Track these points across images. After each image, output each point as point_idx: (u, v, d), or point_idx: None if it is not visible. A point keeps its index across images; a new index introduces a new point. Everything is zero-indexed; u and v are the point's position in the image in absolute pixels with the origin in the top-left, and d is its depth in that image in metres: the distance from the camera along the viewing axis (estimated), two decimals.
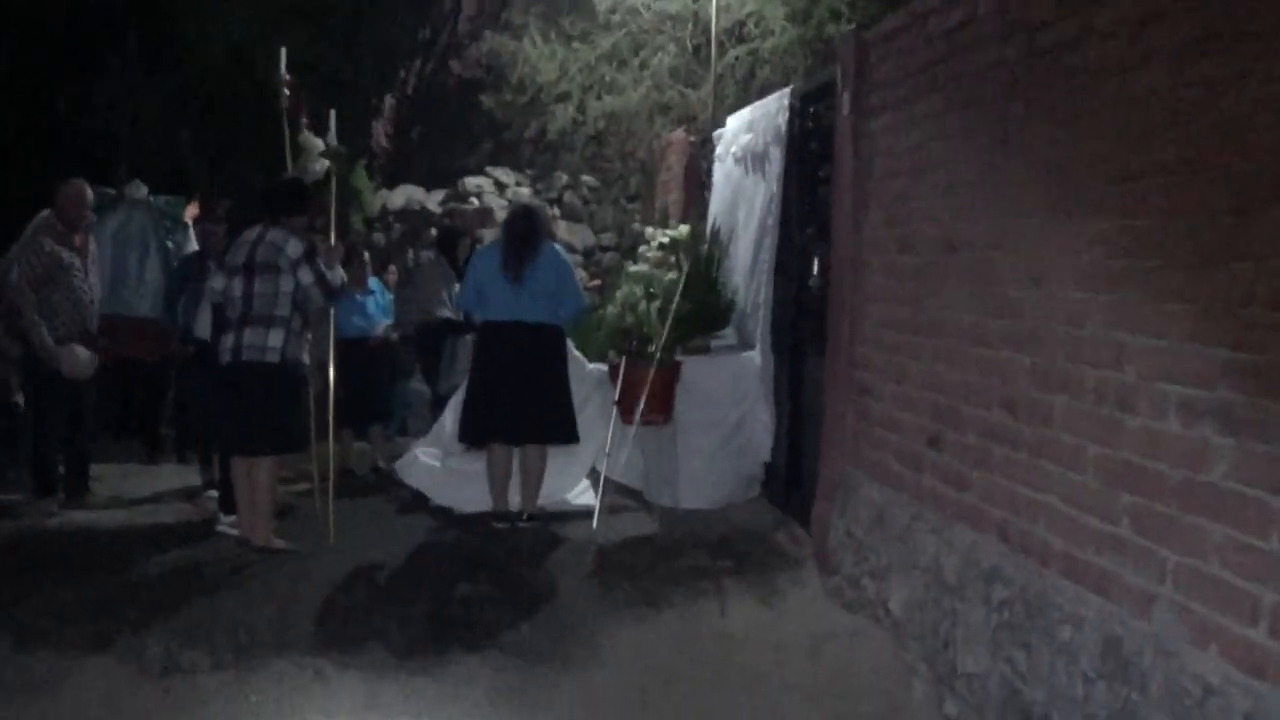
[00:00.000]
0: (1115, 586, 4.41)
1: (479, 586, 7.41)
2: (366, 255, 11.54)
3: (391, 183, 16.88)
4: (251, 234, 8.02)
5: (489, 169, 16.85)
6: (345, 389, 10.38)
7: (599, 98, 14.53)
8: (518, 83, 15.04)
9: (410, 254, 15.22)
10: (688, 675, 6.13)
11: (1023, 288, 5.14)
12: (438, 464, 9.80)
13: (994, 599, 5.26)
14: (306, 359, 8.17)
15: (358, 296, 10.87)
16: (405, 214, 16.13)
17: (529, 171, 17.04)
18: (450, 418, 9.69)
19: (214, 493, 9.14)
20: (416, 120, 19.53)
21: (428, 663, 6.24)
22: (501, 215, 14.80)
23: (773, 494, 9.34)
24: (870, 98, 7.09)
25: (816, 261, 8.45)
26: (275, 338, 7.84)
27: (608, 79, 14.54)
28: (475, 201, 15.93)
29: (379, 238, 15.75)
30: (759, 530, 8.64)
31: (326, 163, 8.61)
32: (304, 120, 8.72)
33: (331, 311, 8.63)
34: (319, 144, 8.60)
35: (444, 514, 9.28)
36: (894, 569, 6.36)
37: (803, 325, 8.82)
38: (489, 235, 13.43)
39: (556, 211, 15.84)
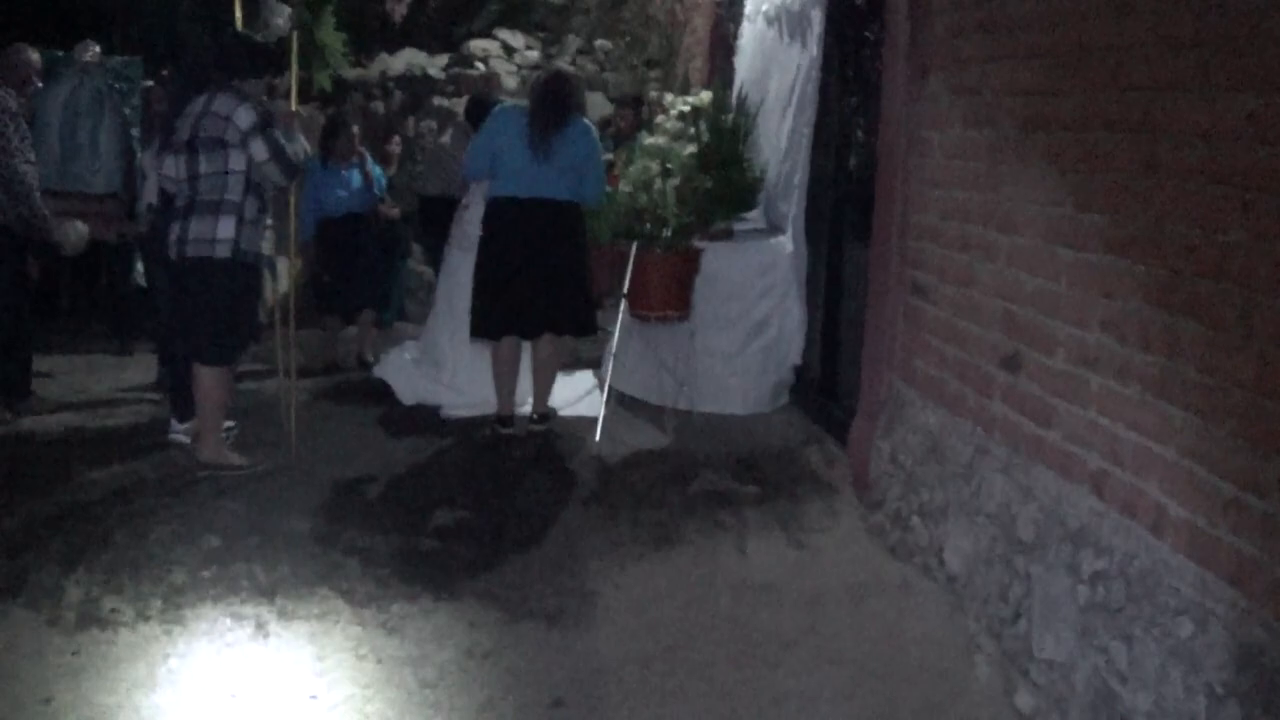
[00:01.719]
0: (1258, 577, 3.34)
1: (459, 514, 6.42)
2: (355, 128, 10.37)
3: (391, 46, 15.65)
4: (196, 103, 6.86)
5: (496, 31, 15.60)
6: (330, 272, 9.54)
7: None
8: None
9: (411, 123, 14.03)
10: (701, 638, 5.05)
11: (1140, 175, 3.98)
12: (412, 360, 8.92)
13: (1084, 569, 4.21)
14: (266, 248, 7.00)
15: (342, 171, 9.92)
16: (406, 80, 14.91)
17: (540, 34, 15.78)
18: (445, 310, 8.60)
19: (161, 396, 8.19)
20: None
21: (389, 615, 5.22)
22: (510, 82, 13.68)
23: (805, 403, 8.29)
24: None
25: (862, 136, 7.34)
26: (225, 228, 6.74)
27: None
28: (481, 67, 14.72)
29: (378, 106, 14.60)
30: (788, 447, 7.58)
31: (289, 11, 7.39)
32: None
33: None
34: None
35: (433, 419, 8.30)
36: (952, 511, 5.29)
37: (844, 209, 7.74)
38: None
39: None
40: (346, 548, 5.88)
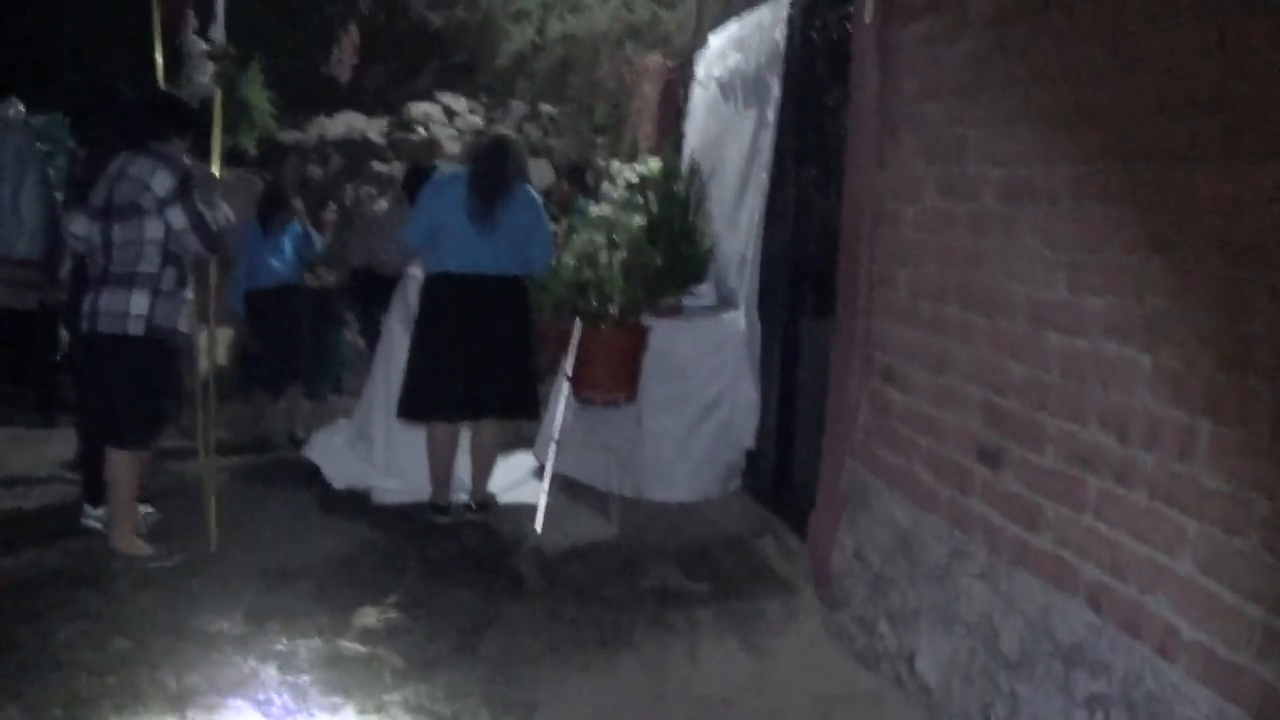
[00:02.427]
0: None
1: (388, 614, 5.86)
2: (298, 200, 9.91)
3: (329, 108, 15.21)
4: (114, 164, 6.37)
5: (438, 94, 15.18)
6: (260, 345, 9.29)
7: (561, 18, 12.96)
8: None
9: (349, 190, 13.57)
10: None
11: (1147, 254, 3.57)
12: (345, 441, 8.40)
13: (1078, 691, 3.78)
14: (184, 325, 6.48)
15: (275, 239, 9.49)
16: (345, 144, 14.48)
17: (483, 99, 15.39)
18: (382, 389, 8.12)
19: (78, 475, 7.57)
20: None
21: None
22: (451, 147, 13.27)
23: (758, 489, 7.81)
24: None
25: (823, 207, 6.91)
26: (139, 302, 6.23)
27: None
28: (422, 131, 14.30)
29: (315, 170, 14.14)
30: (741, 536, 7.12)
31: (213, 68, 6.91)
32: (188, 20, 7.01)
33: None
34: (202, 45, 6.88)
35: (364, 505, 7.76)
36: (925, 617, 4.85)
37: (802, 285, 7.30)
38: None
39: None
40: (264, 652, 5.34)
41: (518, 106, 15.17)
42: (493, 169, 7.20)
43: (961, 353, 4.73)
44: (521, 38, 13.29)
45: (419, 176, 8.77)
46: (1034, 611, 4.09)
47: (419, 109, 14.84)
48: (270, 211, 9.45)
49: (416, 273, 7.80)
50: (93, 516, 6.92)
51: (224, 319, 9.69)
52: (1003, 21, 4.52)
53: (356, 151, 14.28)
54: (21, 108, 9.59)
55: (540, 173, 14.31)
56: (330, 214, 11.42)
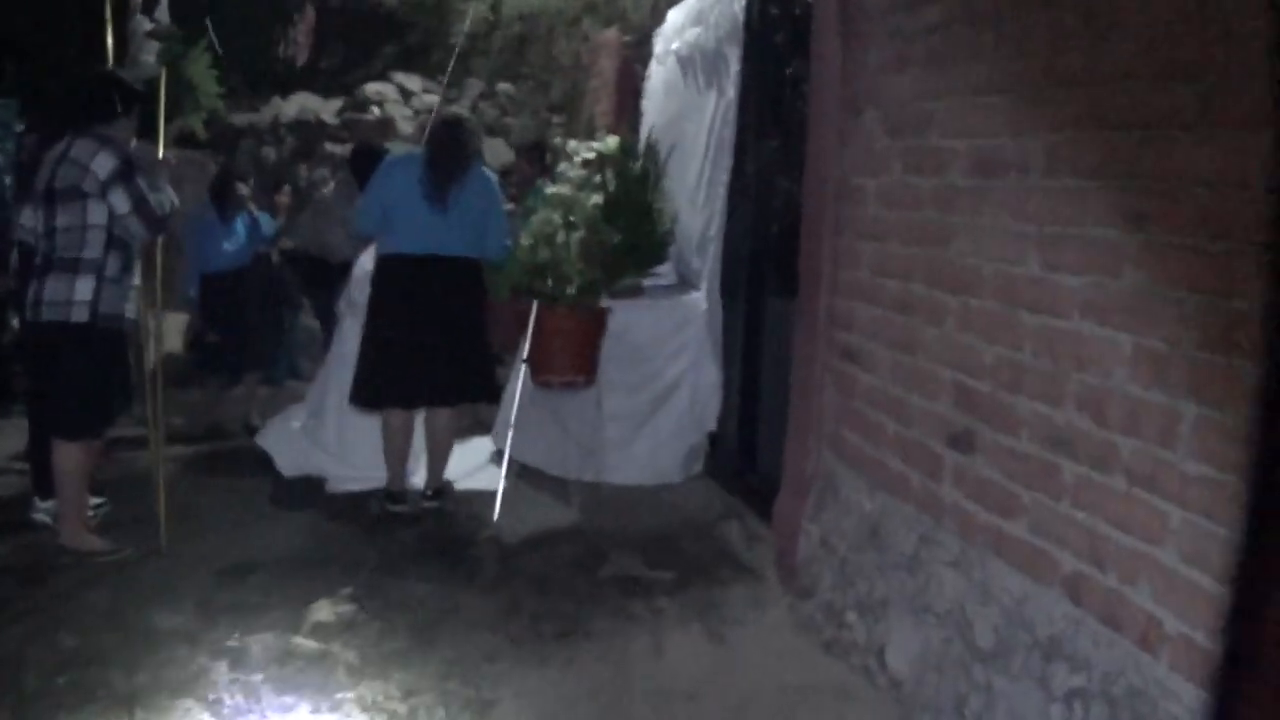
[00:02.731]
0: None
1: (342, 607, 5.65)
2: (250, 180, 9.64)
3: (284, 89, 14.94)
4: (56, 149, 6.14)
5: (392, 74, 14.91)
6: (213, 331, 9.10)
7: None
8: None
9: (303, 170, 13.33)
10: None
11: (1123, 227, 3.41)
12: (298, 428, 8.14)
13: (1057, 685, 3.63)
14: (131, 311, 6.26)
15: (227, 224, 9.27)
16: (299, 125, 14.22)
17: (439, 78, 15.10)
18: (335, 375, 7.90)
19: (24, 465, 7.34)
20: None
21: None
22: (406, 127, 13.02)
23: (720, 473, 7.65)
24: None
25: (784, 184, 6.75)
26: (83, 288, 6.00)
27: None
28: (376, 111, 14.05)
29: (269, 152, 13.89)
30: (704, 521, 6.95)
31: (159, 47, 6.68)
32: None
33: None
34: (147, 25, 6.65)
35: (318, 494, 7.55)
36: (894, 607, 4.70)
37: (764, 264, 7.16)
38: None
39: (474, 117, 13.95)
40: (215, 649, 5.14)
41: (474, 85, 14.92)
42: (447, 149, 6.99)
43: (929, 333, 4.58)
44: (476, 15, 12.99)
45: (367, 158, 8.61)
46: (1010, 602, 3.94)
47: (373, 89, 14.57)
48: (223, 195, 9.23)
49: (367, 261, 7.60)
50: (41, 509, 6.70)
51: (177, 304, 9.49)
52: None
53: (310, 133, 14.03)
54: None
55: (497, 152, 14.05)
56: (284, 196, 11.20)
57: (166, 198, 6.24)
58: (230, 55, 11.77)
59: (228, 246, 9.17)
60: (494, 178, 7.32)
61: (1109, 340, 3.45)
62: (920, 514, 4.64)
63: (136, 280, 6.27)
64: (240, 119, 13.83)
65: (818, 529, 5.51)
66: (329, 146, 13.68)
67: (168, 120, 6.73)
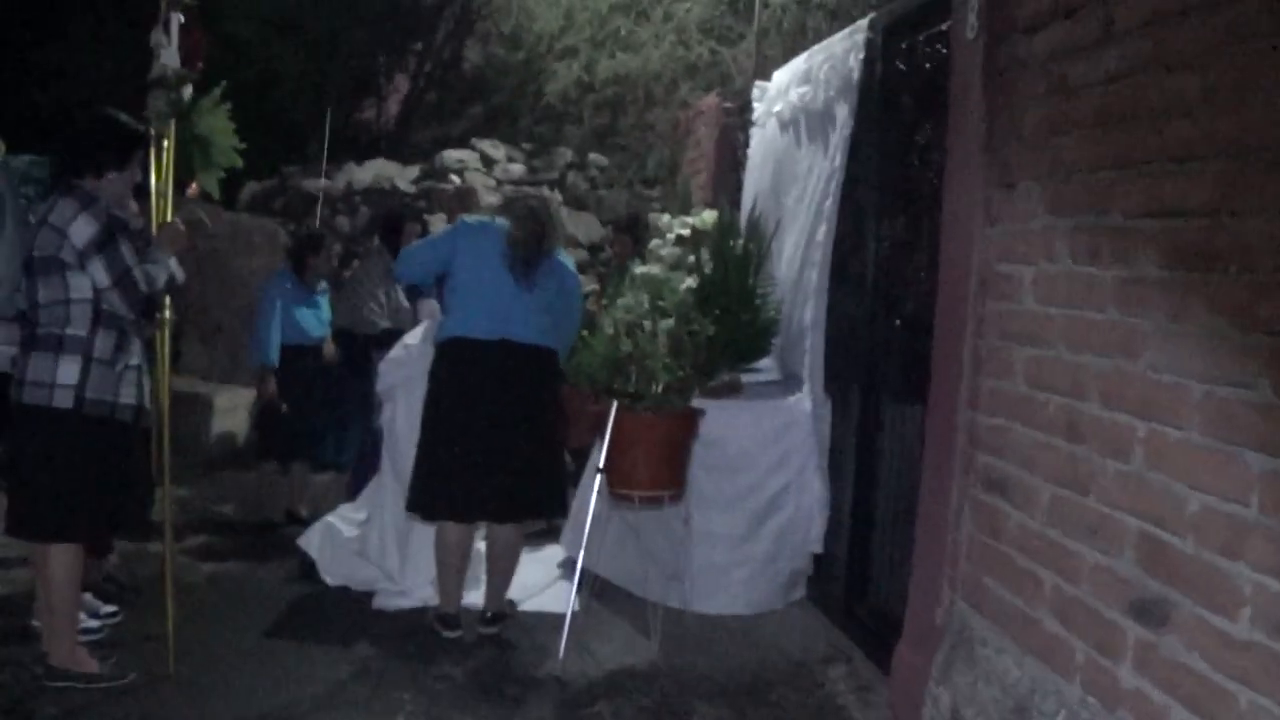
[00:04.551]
0: None
1: None
2: (336, 245, 8.92)
3: (362, 155, 14.24)
4: (41, 210, 5.35)
5: (475, 141, 14.12)
6: (280, 410, 8.41)
7: (611, 55, 11.93)
8: (511, 33, 12.41)
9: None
10: None
11: None
12: (349, 533, 7.19)
13: None
14: (129, 396, 5.36)
15: (315, 293, 8.71)
16: (373, 193, 13.46)
17: (525, 146, 14.32)
18: (390, 473, 7.02)
19: None
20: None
21: None
22: (489, 198, 12.19)
23: (826, 600, 6.66)
24: (1020, 5, 4.30)
25: (910, 268, 5.82)
26: (67, 371, 5.13)
27: (623, 32, 12.06)
28: (456, 180, 13.24)
29: (342, 221, 13.13)
30: (806, 664, 5.94)
31: (188, 91, 5.82)
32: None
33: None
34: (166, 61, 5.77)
35: (362, 609, 6.62)
36: None
37: (883, 360, 6.19)
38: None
39: (558, 197, 13.08)
40: None
41: (562, 154, 14.11)
42: (538, 221, 6.20)
43: (1107, 467, 3.54)
44: (567, 76, 12.20)
45: (393, 223, 8.36)
46: None
47: (453, 156, 13.80)
48: (304, 260, 8.59)
49: (411, 338, 6.92)
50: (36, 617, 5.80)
51: (246, 378, 8.98)
52: (1165, 23, 3.35)
53: (386, 201, 13.28)
54: (1, 147, 8.59)
55: (587, 227, 13.24)
56: (350, 272, 10.42)
57: (163, 269, 5.35)
58: (308, 120, 11.14)
59: (306, 322, 8.52)
60: (571, 263, 6.52)
61: None
62: (1086, 696, 3.60)
63: (135, 361, 5.37)
64: (313, 185, 13.10)
65: (948, 695, 4.47)
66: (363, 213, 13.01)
67: (179, 179, 5.89)
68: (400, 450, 6.75)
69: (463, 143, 14.21)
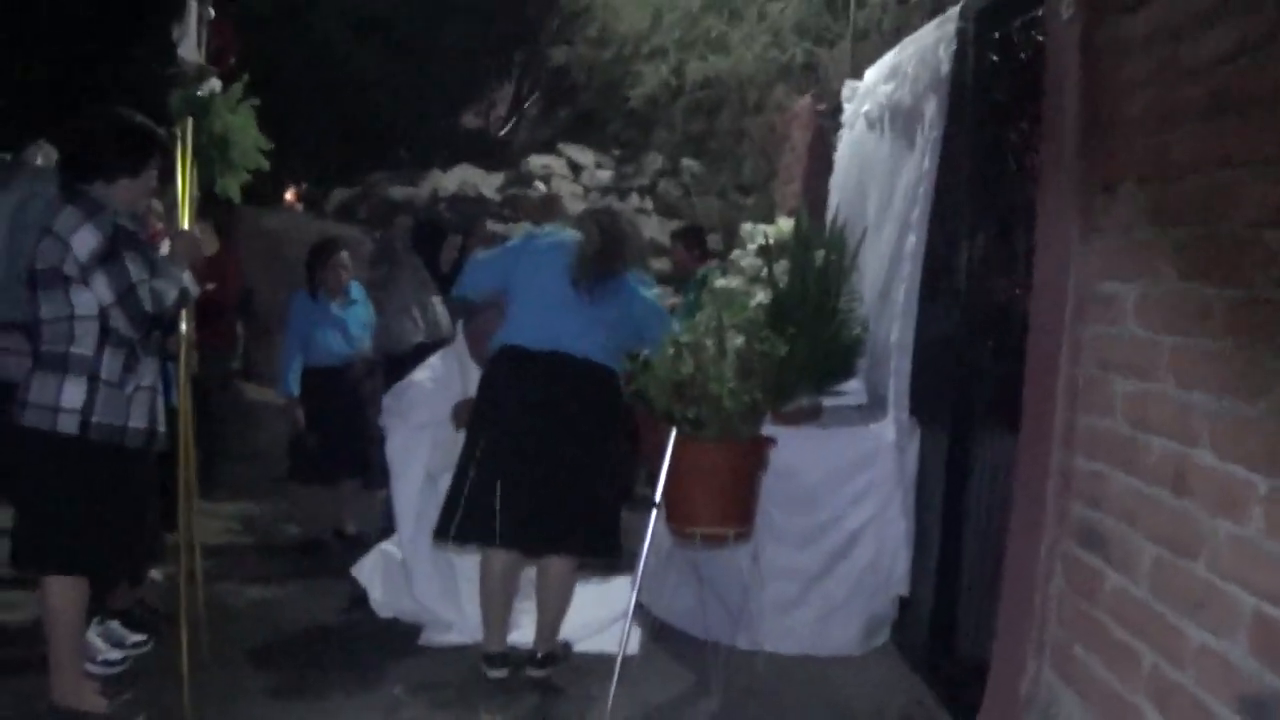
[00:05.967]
0: None
1: None
2: (344, 254, 8.30)
3: (446, 162, 13.93)
4: (47, 219, 4.89)
5: (562, 146, 13.70)
6: (313, 434, 7.95)
7: (703, 57, 11.43)
8: (598, 34, 11.96)
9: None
10: None
11: None
12: (400, 558, 6.68)
13: None
14: (141, 420, 4.92)
15: (335, 310, 8.09)
16: (459, 200, 13.16)
17: (614, 151, 13.86)
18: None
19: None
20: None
21: None
22: (574, 206, 11.73)
23: (910, 647, 6.05)
24: None
25: (1003, 284, 5.24)
26: (72, 393, 4.71)
27: (713, 33, 11.68)
28: (541, 186, 12.84)
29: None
30: (885, 715, 5.37)
31: (214, 85, 5.40)
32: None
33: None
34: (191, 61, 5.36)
35: (408, 644, 6.16)
36: None
37: (973, 383, 5.58)
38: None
39: (649, 204, 12.57)
40: None
41: (653, 160, 13.64)
42: (597, 250, 5.68)
43: (1221, 529, 2.94)
44: (655, 78, 11.73)
45: (429, 234, 8.15)
46: None
47: (539, 163, 13.50)
48: (315, 272, 8.15)
49: (421, 373, 6.59)
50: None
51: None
52: None
53: (470, 208, 12.96)
54: (54, 153, 8.27)
55: None
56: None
57: (174, 285, 4.90)
58: (399, 125, 10.85)
59: (334, 341, 8.10)
60: (650, 288, 6.00)
61: None
62: None
63: (147, 382, 4.93)
64: (399, 192, 12.78)
65: None
66: (490, 224, 12.55)
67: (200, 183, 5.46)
68: (402, 491, 6.42)
69: (549, 148, 13.85)
